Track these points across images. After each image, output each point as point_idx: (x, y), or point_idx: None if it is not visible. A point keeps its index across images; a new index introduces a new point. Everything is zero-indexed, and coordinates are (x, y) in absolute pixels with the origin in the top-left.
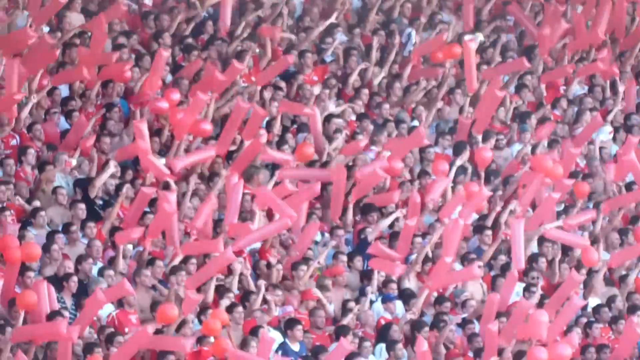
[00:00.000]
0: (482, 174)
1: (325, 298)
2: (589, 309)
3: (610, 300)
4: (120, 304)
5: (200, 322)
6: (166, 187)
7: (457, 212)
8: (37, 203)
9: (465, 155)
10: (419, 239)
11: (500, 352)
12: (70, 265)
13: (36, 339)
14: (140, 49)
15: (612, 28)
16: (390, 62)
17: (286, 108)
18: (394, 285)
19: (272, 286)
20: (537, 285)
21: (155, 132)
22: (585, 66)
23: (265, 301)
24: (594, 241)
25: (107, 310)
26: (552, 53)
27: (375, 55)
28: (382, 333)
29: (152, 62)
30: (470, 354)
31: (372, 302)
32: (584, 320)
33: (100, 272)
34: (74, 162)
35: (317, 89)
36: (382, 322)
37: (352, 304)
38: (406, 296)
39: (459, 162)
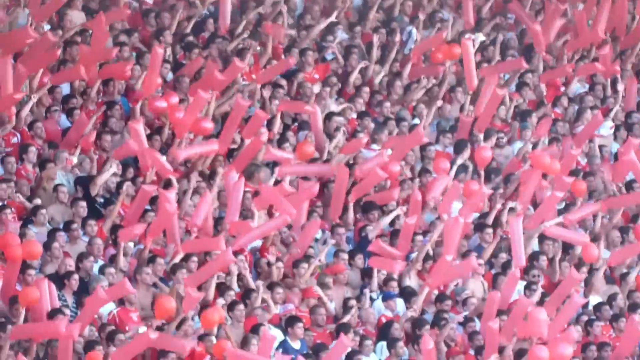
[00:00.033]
0: (482, 173)
1: (326, 296)
2: (590, 307)
3: (611, 298)
4: (121, 301)
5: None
6: (167, 185)
7: (457, 210)
8: (38, 201)
9: (466, 153)
10: (419, 237)
11: (501, 350)
12: (71, 263)
13: (35, 337)
14: (141, 47)
15: (612, 26)
16: (391, 60)
17: (286, 107)
18: (395, 283)
19: (271, 284)
20: (538, 284)
21: (156, 130)
22: (585, 65)
23: (265, 300)
24: (595, 239)
25: (108, 308)
26: (552, 51)
27: (376, 53)
28: (383, 331)
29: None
30: (472, 352)
31: (372, 300)
32: (585, 318)
33: (101, 270)
34: (74, 160)
35: (316, 88)
36: (383, 320)
37: (353, 302)
38: (407, 294)
39: (460, 161)
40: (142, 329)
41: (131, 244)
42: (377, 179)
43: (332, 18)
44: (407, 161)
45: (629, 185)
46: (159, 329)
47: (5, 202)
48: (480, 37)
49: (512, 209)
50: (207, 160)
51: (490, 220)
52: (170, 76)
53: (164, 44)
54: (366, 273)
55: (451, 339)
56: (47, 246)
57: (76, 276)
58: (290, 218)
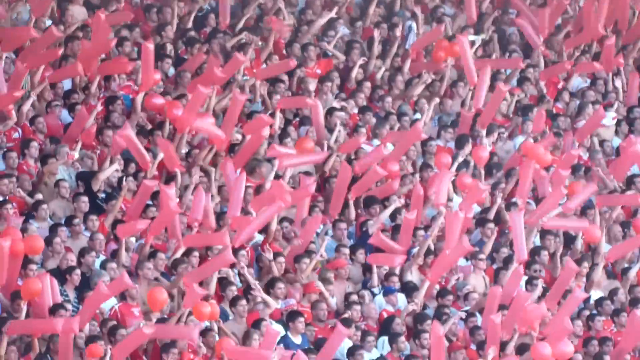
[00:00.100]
0: (482, 169)
1: (327, 291)
2: (592, 302)
3: (613, 293)
4: (122, 297)
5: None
6: (169, 180)
7: (457, 205)
8: (39, 196)
9: (468, 148)
10: (421, 232)
11: (503, 346)
12: (72, 258)
13: (33, 333)
14: (142, 42)
15: (613, 21)
16: (392, 55)
17: (286, 104)
18: (396, 278)
19: (273, 279)
20: (539, 278)
21: (157, 126)
22: (584, 63)
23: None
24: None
25: (110, 303)
26: (553, 46)
27: (377, 48)
28: (385, 326)
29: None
30: (473, 347)
31: (374, 295)
32: (587, 313)
33: (103, 265)
34: (76, 154)
35: (312, 85)
36: (385, 314)
37: (354, 297)
38: (409, 289)
39: (461, 158)
40: (143, 324)
41: (133, 239)
42: (376, 177)
43: (332, 14)
44: (408, 156)
45: (630, 181)
46: (161, 320)
47: (7, 198)
48: (479, 39)
49: (513, 204)
50: (209, 156)
51: (491, 215)
52: (171, 71)
53: (166, 39)
54: (367, 268)
55: (453, 333)
56: (48, 241)
57: (78, 271)
58: (284, 203)
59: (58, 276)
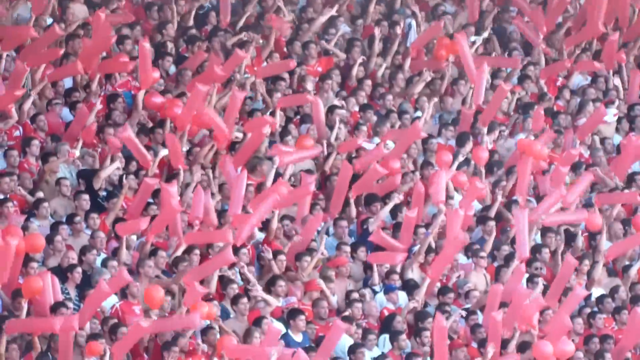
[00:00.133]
0: (482, 169)
1: (328, 289)
2: (592, 300)
3: (614, 291)
4: (123, 295)
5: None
6: (170, 178)
7: (458, 203)
8: (40, 194)
9: (469, 146)
10: (422, 230)
11: (504, 344)
12: (74, 257)
13: (32, 332)
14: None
15: (613, 19)
16: (393, 53)
17: (286, 102)
18: (396, 276)
19: (274, 277)
20: (540, 276)
21: (158, 124)
22: (584, 62)
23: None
24: (598, 231)
25: (111, 301)
26: (554, 44)
27: (378, 46)
28: (386, 324)
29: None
30: (474, 345)
31: (375, 292)
32: (588, 310)
33: (104, 263)
34: (77, 152)
35: (310, 85)
36: (386, 312)
37: (355, 295)
38: (410, 287)
39: (461, 157)
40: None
41: (134, 237)
42: (376, 175)
43: (332, 12)
44: (409, 154)
45: (631, 178)
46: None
47: (8, 196)
48: (480, 39)
49: (514, 202)
50: (209, 154)
51: (492, 212)
52: (172, 69)
53: (167, 37)
54: (368, 266)
55: (454, 331)
56: (49, 239)
57: (79, 269)
58: (279, 196)
59: (59, 274)
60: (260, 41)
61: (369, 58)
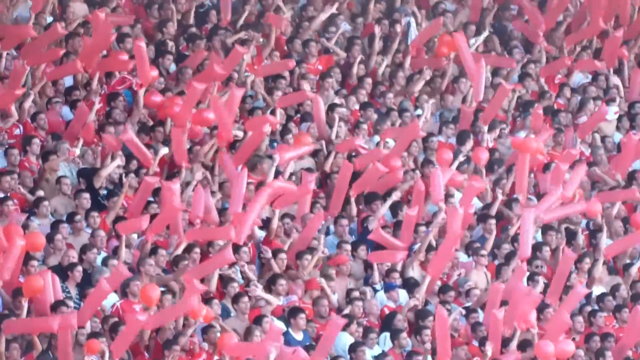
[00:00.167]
0: (482, 168)
1: (329, 287)
2: (593, 298)
3: (614, 289)
4: (124, 294)
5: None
6: (170, 177)
7: (458, 201)
8: (40, 193)
9: (469, 144)
10: (423, 228)
11: (506, 343)
12: (74, 255)
13: (30, 332)
14: (144, 38)
15: (613, 17)
16: (394, 51)
17: (285, 102)
18: (397, 275)
19: (274, 276)
20: (541, 274)
21: (158, 122)
22: (585, 60)
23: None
24: (598, 229)
25: (112, 300)
26: (554, 42)
27: (378, 44)
28: (386, 322)
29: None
30: (475, 343)
31: (375, 291)
32: (588, 309)
33: (104, 262)
34: (77, 151)
35: (307, 85)
36: (386, 311)
37: (355, 293)
38: (410, 285)
39: (461, 157)
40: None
41: (134, 236)
42: (377, 173)
43: (332, 10)
44: (410, 152)
45: (632, 176)
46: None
47: (8, 194)
48: (481, 39)
49: (514, 200)
50: (210, 152)
51: (493, 211)
52: (173, 68)
53: (167, 35)
54: (369, 264)
55: (455, 329)
56: (50, 238)
57: (79, 268)
58: (271, 189)
59: (59, 273)
60: (261, 40)
61: (369, 56)
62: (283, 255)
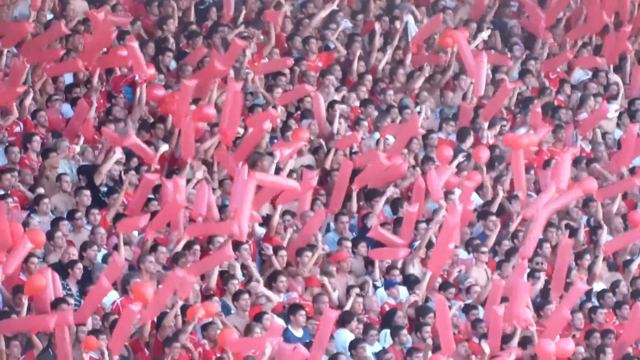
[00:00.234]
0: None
1: (329, 284)
2: (593, 295)
3: (615, 286)
4: (124, 291)
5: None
6: (170, 174)
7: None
8: (41, 190)
9: (469, 141)
10: (423, 225)
11: (506, 340)
12: (74, 252)
13: (28, 330)
14: (143, 36)
15: (613, 13)
16: (394, 48)
17: (286, 99)
18: (397, 272)
19: (275, 273)
20: (541, 271)
21: (159, 119)
22: (586, 57)
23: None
24: (599, 226)
25: (112, 297)
26: (555, 38)
27: (378, 41)
28: (387, 319)
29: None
30: (475, 340)
31: (376, 287)
32: (589, 305)
33: (105, 259)
34: (77, 148)
35: (309, 86)
36: (386, 307)
37: (356, 290)
38: (411, 282)
39: (461, 158)
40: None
41: (135, 233)
42: (381, 166)
43: (334, 6)
44: (410, 149)
45: (632, 173)
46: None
47: (9, 192)
48: (484, 35)
49: (514, 197)
50: (211, 149)
51: (494, 208)
52: (173, 65)
53: (167, 32)
54: (369, 261)
55: (455, 326)
56: (50, 235)
57: (80, 265)
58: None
59: (60, 270)
60: (261, 37)
61: (369, 53)
62: (283, 252)
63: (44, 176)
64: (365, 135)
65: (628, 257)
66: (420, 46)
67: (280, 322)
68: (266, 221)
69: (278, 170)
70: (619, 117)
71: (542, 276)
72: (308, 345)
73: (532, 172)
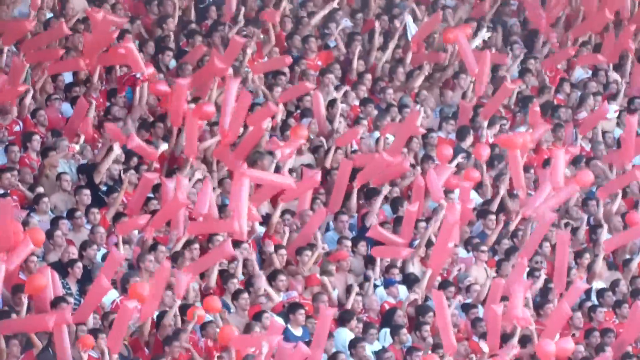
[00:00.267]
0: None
1: (329, 283)
2: (593, 293)
3: (614, 285)
4: (124, 290)
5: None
6: (170, 173)
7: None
8: (40, 189)
9: (469, 140)
10: (423, 224)
11: (506, 338)
12: (74, 251)
13: (26, 331)
14: (144, 35)
15: (613, 12)
16: (394, 46)
17: (287, 97)
18: (396, 270)
19: (274, 272)
20: (541, 270)
21: (158, 118)
22: (586, 55)
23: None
24: (599, 225)
25: (112, 296)
26: (556, 37)
27: (378, 40)
28: (386, 318)
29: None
30: (475, 339)
31: (375, 286)
32: (588, 304)
33: (104, 258)
34: (77, 147)
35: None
36: (386, 306)
37: (356, 289)
38: (410, 281)
39: (460, 158)
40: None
41: (135, 231)
42: (382, 163)
43: (334, 4)
44: (410, 148)
45: None
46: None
47: (9, 191)
48: (484, 35)
49: (514, 195)
50: (210, 149)
51: (494, 206)
52: (173, 63)
53: (167, 31)
54: (369, 260)
55: (454, 324)
56: (50, 234)
57: (80, 264)
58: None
59: (59, 269)
60: (262, 36)
61: (369, 52)
62: (283, 251)
63: (43, 175)
64: (365, 134)
65: (628, 256)
66: (420, 45)
67: (279, 321)
68: (266, 220)
69: (278, 169)
70: (619, 115)
71: (542, 275)
72: (307, 344)
73: (532, 171)
